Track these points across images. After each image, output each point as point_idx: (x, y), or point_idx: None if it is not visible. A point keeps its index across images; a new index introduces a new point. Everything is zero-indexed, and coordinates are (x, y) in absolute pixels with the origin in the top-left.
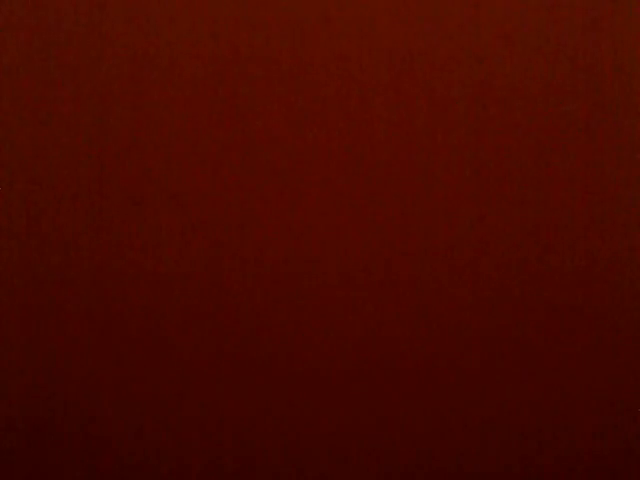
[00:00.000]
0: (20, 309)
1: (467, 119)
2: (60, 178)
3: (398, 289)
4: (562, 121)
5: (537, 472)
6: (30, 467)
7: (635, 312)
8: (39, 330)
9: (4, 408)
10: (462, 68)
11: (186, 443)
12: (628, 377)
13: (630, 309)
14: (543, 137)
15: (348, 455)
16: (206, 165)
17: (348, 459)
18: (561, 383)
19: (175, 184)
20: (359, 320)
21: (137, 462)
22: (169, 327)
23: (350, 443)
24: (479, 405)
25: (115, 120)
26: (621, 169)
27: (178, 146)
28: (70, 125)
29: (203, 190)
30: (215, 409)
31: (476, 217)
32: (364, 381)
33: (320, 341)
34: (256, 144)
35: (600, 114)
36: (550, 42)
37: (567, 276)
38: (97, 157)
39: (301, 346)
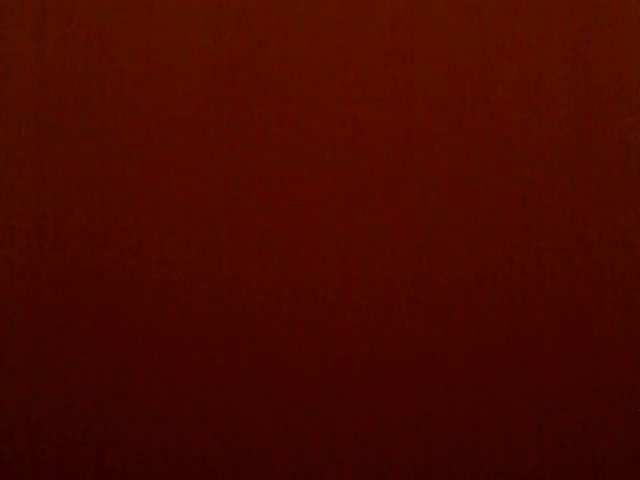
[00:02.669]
0: (20, 310)
1: (467, 120)
2: (59, 179)
3: (397, 290)
4: (562, 121)
5: (537, 472)
6: (30, 467)
7: (635, 312)
8: (39, 331)
9: (4, 408)
10: (462, 68)
11: (186, 444)
12: (628, 377)
13: (630, 309)
14: (543, 139)
15: (348, 456)
16: (205, 166)
17: (348, 460)
18: (561, 384)
19: (174, 186)
20: (359, 320)
21: (137, 462)
22: (168, 328)
23: (350, 444)
24: (478, 407)
25: (112, 122)
26: (621, 170)
27: (177, 147)
28: (67, 127)
29: (202, 191)
30: (214, 410)
31: (475, 218)
32: (364, 382)
33: (319, 342)
34: (254, 145)
35: (601, 114)
36: (550, 42)
37: (567, 277)
38: (95, 158)
39: (300, 347)
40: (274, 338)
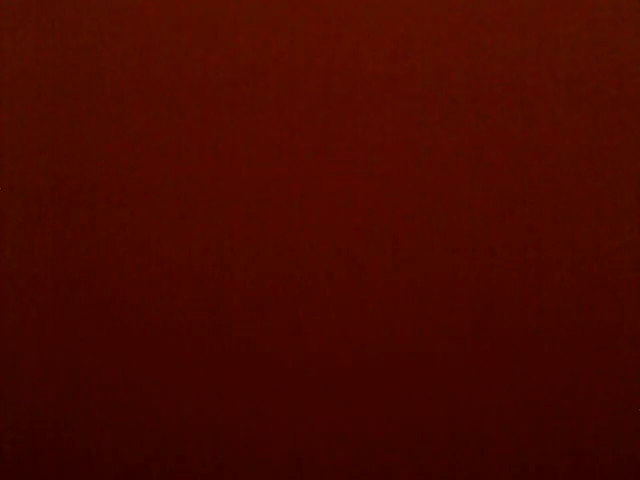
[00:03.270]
0: (21, 311)
1: (468, 120)
2: (60, 180)
3: (397, 290)
4: (562, 121)
5: (537, 472)
6: (30, 468)
7: (635, 312)
8: (39, 332)
9: (5, 409)
10: (463, 68)
11: (185, 444)
12: (628, 377)
13: (630, 309)
14: (545, 140)
15: (346, 455)
16: (206, 165)
17: (346, 459)
18: (561, 384)
19: (174, 186)
20: (359, 320)
21: (136, 462)
22: (168, 328)
23: (349, 443)
24: (478, 407)
25: (112, 122)
26: (622, 171)
27: (178, 146)
28: (67, 127)
29: (203, 191)
30: (214, 411)
31: (475, 218)
32: (363, 381)
33: (320, 342)
34: (254, 144)
35: (601, 113)
36: (551, 42)
37: (567, 277)
38: (96, 158)
39: (301, 348)
40: (273, 337)
